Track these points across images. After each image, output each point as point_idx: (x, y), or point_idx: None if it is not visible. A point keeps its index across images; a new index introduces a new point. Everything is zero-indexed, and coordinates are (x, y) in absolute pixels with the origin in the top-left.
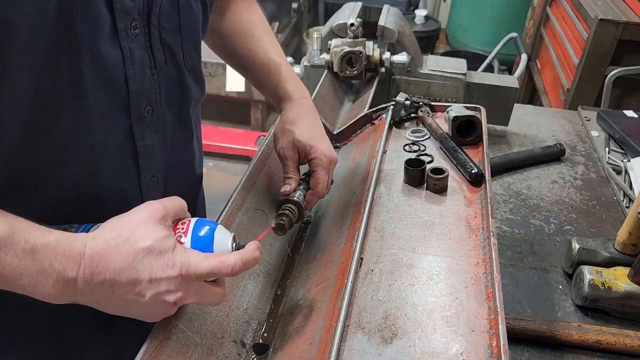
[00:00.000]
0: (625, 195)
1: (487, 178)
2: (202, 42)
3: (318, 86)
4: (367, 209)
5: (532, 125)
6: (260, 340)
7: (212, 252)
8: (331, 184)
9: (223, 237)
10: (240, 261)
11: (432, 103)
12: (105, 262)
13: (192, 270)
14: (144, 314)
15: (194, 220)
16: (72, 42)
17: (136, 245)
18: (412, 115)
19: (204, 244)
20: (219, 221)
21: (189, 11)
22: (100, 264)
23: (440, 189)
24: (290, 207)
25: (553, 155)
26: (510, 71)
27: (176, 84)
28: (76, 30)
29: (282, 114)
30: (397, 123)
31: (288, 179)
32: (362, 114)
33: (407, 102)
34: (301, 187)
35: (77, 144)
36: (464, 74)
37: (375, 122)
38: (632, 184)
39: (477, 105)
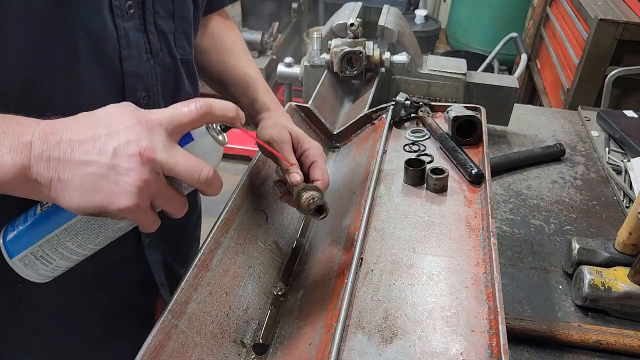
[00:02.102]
0: (625, 195)
1: (487, 178)
2: None
3: (318, 86)
4: (367, 209)
5: (532, 125)
6: (260, 340)
7: (192, 139)
8: None
9: None
10: (205, 100)
11: (432, 103)
12: (62, 125)
13: (151, 116)
14: (112, 185)
15: None
16: (66, 17)
17: (95, 112)
18: (412, 115)
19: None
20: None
21: (182, 0)
22: (56, 126)
23: (440, 189)
24: (316, 188)
25: (553, 155)
26: (510, 71)
27: (171, 74)
28: (72, 3)
29: (262, 121)
30: (397, 123)
31: (293, 166)
32: (362, 114)
33: (407, 102)
34: None
35: None
36: (464, 74)
37: (375, 122)
38: (632, 184)
39: (477, 105)
